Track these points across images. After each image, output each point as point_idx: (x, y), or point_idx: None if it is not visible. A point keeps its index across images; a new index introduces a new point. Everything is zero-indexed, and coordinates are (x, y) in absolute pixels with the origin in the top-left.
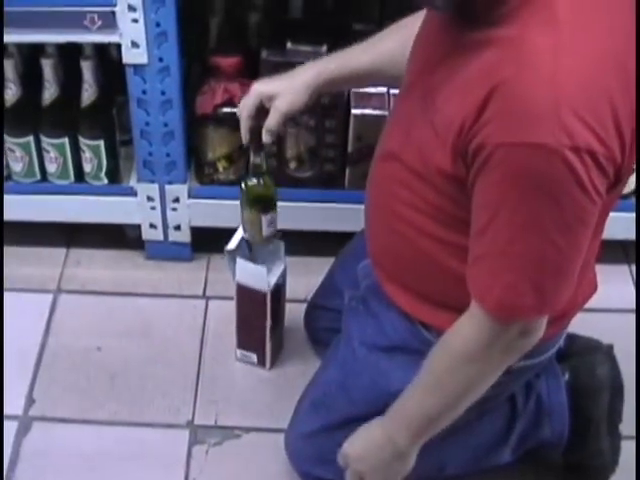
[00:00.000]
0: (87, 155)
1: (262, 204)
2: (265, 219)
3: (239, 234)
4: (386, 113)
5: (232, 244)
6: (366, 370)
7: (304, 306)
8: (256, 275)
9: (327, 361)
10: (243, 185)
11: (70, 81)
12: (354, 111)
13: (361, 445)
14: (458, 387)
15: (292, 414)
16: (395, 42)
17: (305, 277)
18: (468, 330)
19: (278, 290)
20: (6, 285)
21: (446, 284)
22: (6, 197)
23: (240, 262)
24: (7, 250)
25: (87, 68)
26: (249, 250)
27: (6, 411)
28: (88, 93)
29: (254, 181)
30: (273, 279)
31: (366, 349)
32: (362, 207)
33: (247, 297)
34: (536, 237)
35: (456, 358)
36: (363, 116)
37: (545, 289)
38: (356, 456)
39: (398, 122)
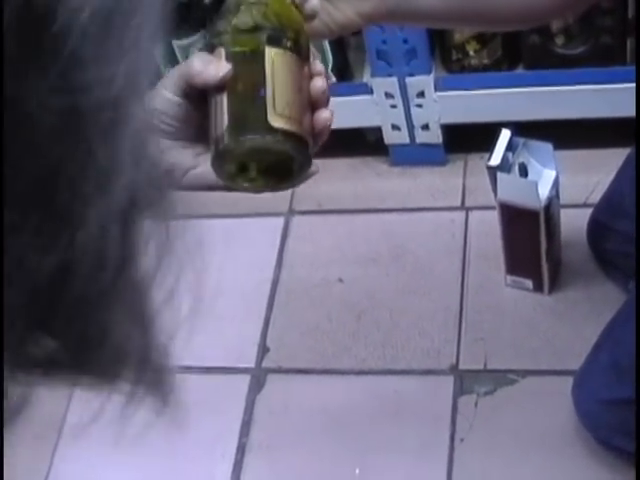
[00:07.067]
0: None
1: None
2: None
3: (503, 141)
4: None
5: (495, 159)
6: None
7: (583, 212)
8: (525, 191)
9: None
10: None
11: None
12: None
13: None
14: None
15: (584, 365)
16: None
17: (582, 175)
18: None
19: (551, 203)
20: (231, 211)
21: None
22: None
23: (503, 177)
24: None
25: None
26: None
27: (237, 363)
28: None
29: None
30: (545, 192)
31: None
32: None
33: (515, 217)
34: None
35: None
36: None
37: None
38: None
39: None
